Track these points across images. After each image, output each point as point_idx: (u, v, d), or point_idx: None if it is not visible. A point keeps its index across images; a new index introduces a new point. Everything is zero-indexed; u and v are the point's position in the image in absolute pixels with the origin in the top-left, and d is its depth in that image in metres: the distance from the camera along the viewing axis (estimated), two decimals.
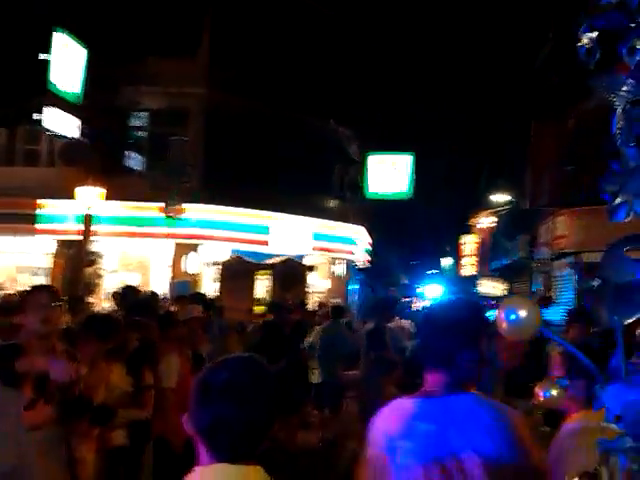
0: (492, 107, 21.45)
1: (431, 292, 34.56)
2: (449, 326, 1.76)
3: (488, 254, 26.11)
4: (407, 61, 22.08)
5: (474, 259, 29.03)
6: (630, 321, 1.05)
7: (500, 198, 22.27)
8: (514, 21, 20.53)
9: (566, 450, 1.94)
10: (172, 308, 7.81)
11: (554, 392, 1.67)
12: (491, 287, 22.51)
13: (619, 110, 1.07)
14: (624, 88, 1.05)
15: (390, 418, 1.79)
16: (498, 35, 21.19)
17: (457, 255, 31.27)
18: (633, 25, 1.01)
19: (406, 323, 9.61)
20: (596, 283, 1.15)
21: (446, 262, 40.15)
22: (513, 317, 1.33)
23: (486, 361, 1.79)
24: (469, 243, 29.65)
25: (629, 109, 1.05)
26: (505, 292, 21.49)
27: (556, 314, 13.62)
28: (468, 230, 29.61)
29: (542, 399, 1.69)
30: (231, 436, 1.34)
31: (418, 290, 39.19)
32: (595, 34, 1.07)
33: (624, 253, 1.08)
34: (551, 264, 14.58)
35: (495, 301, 21.15)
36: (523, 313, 1.32)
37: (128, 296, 6.60)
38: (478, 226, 27.29)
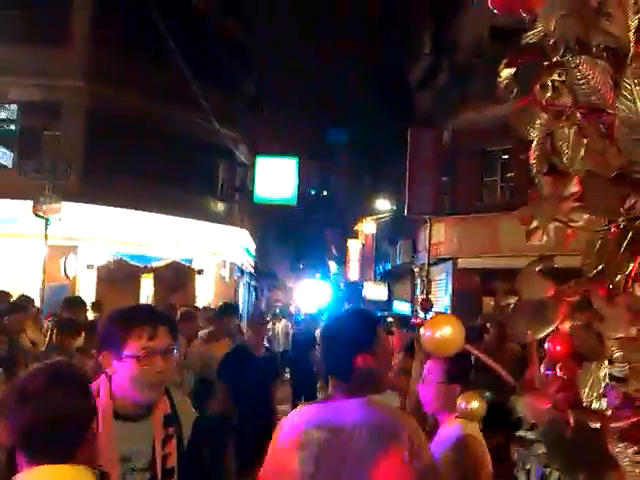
0: (374, 114, 22.18)
1: (312, 296, 34.38)
2: (341, 335, 1.87)
3: (373, 259, 26.99)
4: (292, 65, 22.32)
5: (358, 264, 29.80)
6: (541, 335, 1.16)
7: (382, 205, 23.19)
8: (393, 28, 21.23)
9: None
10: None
11: (476, 404, 1.74)
12: (377, 291, 23.29)
13: (534, 142, 1.19)
14: (538, 121, 1.17)
15: (292, 423, 1.86)
16: (378, 45, 21.89)
17: (344, 259, 31.89)
18: (546, 64, 1.12)
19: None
20: (512, 300, 1.23)
21: (333, 266, 40.95)
22: (438, 335, 1.35)
23: (384, 366, 1.90)
24: (354, 248, 30.32)
25: (543, 141, 1.17)
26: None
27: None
28: (355, 235, 30.28)
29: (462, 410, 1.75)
30: (47, 439, 1.38)
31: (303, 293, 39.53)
32: (513, 70, 1.19)
33: (537, 272, 1.19)
34: (430, 269, 15.41)
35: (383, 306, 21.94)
36: (448, 331, 1.34)
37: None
38: (364, 231, 28.06)
